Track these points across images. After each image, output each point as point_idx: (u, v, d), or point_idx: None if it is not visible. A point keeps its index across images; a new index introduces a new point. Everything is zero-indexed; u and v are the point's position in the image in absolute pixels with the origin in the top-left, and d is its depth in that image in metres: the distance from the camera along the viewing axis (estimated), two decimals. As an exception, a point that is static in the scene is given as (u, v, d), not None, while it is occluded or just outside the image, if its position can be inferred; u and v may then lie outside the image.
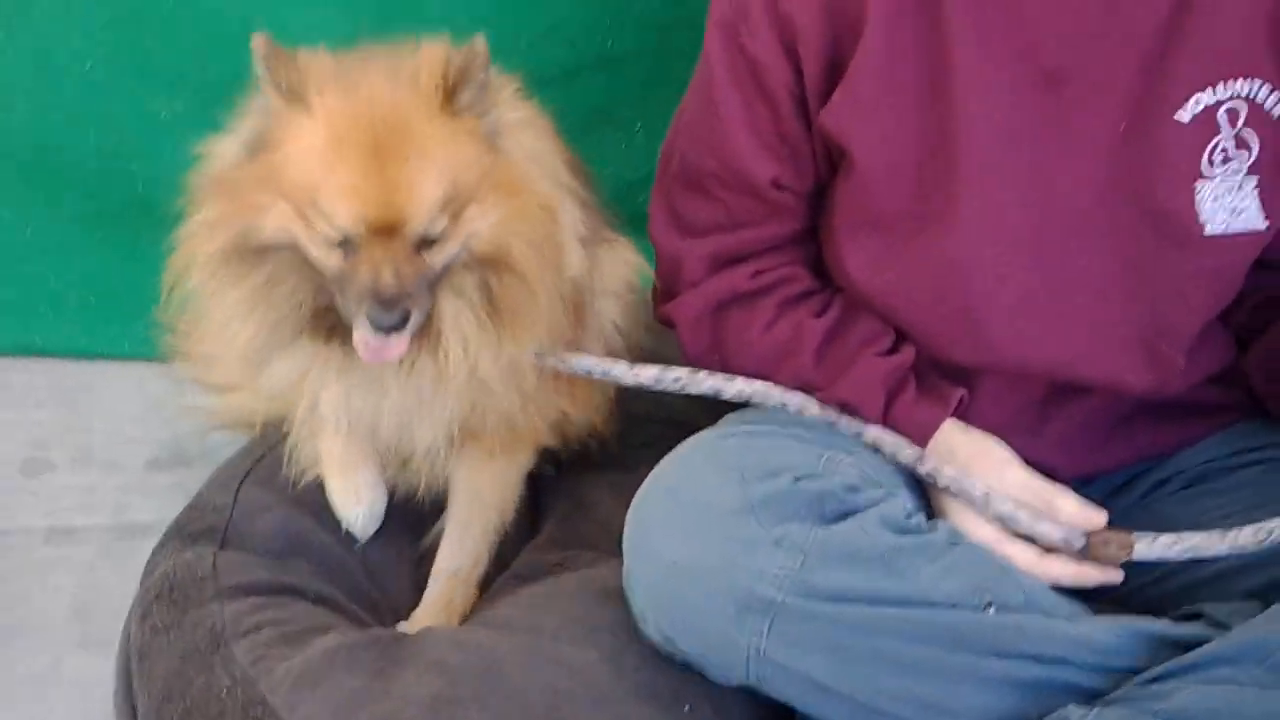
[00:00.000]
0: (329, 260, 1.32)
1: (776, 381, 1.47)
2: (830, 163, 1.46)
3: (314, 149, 1.29)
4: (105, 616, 1.61)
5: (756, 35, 1.41)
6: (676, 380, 1.50)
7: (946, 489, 1.40)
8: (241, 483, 1.64)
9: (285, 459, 1.61)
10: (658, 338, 1.64)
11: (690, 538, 1.29)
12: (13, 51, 2.10)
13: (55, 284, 2.25)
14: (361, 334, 1.33)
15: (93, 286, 2.27)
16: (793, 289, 1.49)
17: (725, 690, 1.35)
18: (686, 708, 1.35)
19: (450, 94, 1.31)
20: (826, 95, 1.41)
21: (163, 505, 1.83)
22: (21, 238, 2.25)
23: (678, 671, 1.36)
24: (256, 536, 1.57)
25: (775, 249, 1.51)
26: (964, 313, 1.39)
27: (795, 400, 1.45)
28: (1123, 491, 1.51)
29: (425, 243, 1.32)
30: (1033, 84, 1.34)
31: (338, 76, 1.32)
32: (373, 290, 1.29)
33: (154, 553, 1.57)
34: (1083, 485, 1.46)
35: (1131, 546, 1.35)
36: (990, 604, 1.30)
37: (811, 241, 1.53)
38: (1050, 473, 1.41)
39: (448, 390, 1.43)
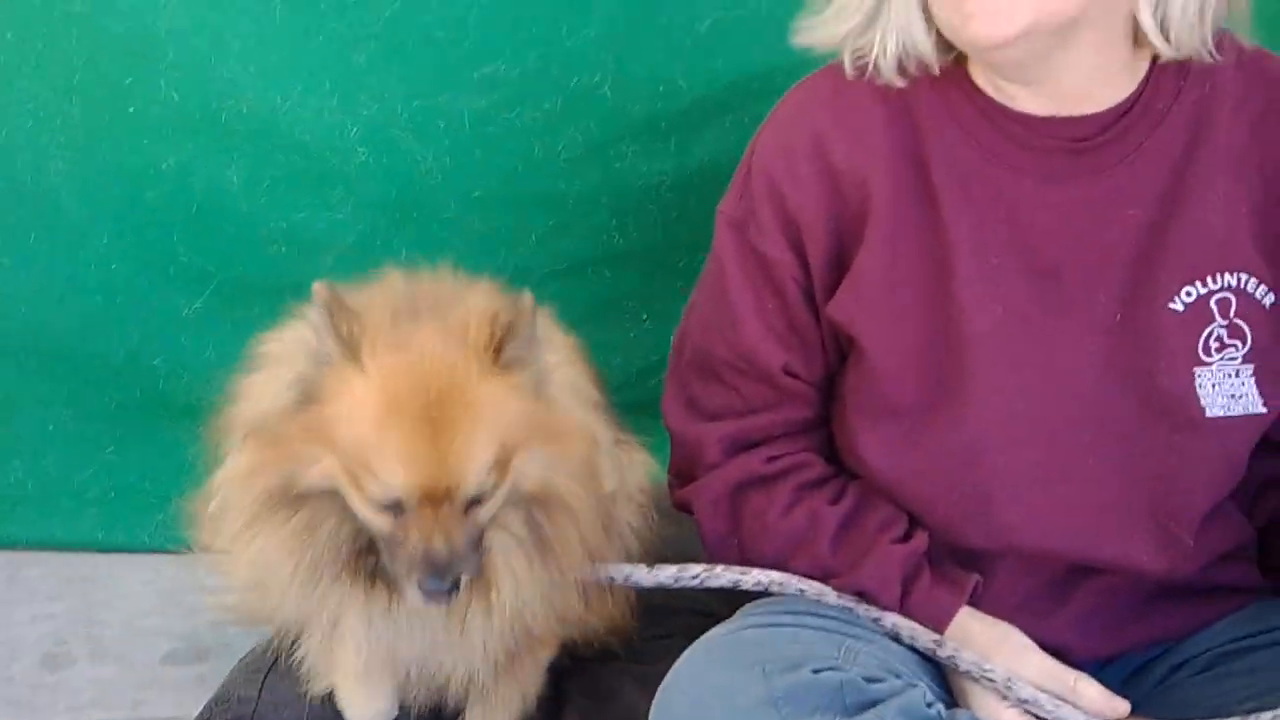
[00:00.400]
0: (376, 520, 1.32)
1: (793, 568, 1.49)
2: (839, 350, 1.52)
3: (367, 409, 1.29)
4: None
5: (765, 234, 1.49)
6: (695, 577, 1.52)
7: (967, 673, 1.42)
8: (266, 675, 1.65)
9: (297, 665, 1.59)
10: (676, 524, 1.67)
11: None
12: (40, 249, 2.18)
13: (76, 477, 2.29)
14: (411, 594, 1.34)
15: (113, 479, 2.30)
16: (808, 475, 1.54)
17: None
18: None
19: (499, 350, 1.32)
20: (833, 288, 1.48)
21: (181, 699, 1.85)
22: (43, 432, 2.29)
23: None
24: (284, 729, 1.57)
25: (789, 435, 1.55)
26: (978, 496, 1.43)
27: (813, 588, 1.48)
28: (1140, 674, 1.52)
29: (474, 502, 1.33)
30: (1029, 278, 1.41)
31: (391, 331, 1.32)
32: (424, 559, 1.29)
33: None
34: (1099, 669, 1.48)
35: None
36: (1012, 791, 1.31)
37: (823, 428, 1.58)
38: (1064, 655, 1.44)
39: (493, 627, 1.42)
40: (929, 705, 1.34)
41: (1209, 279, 1.38)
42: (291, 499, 1.35)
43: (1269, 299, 1.39)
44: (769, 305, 1.51)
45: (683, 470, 1.60)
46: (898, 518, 1.49)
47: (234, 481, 1.38)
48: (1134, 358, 1.40)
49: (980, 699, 1.41)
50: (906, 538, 1.48)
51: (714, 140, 2.10)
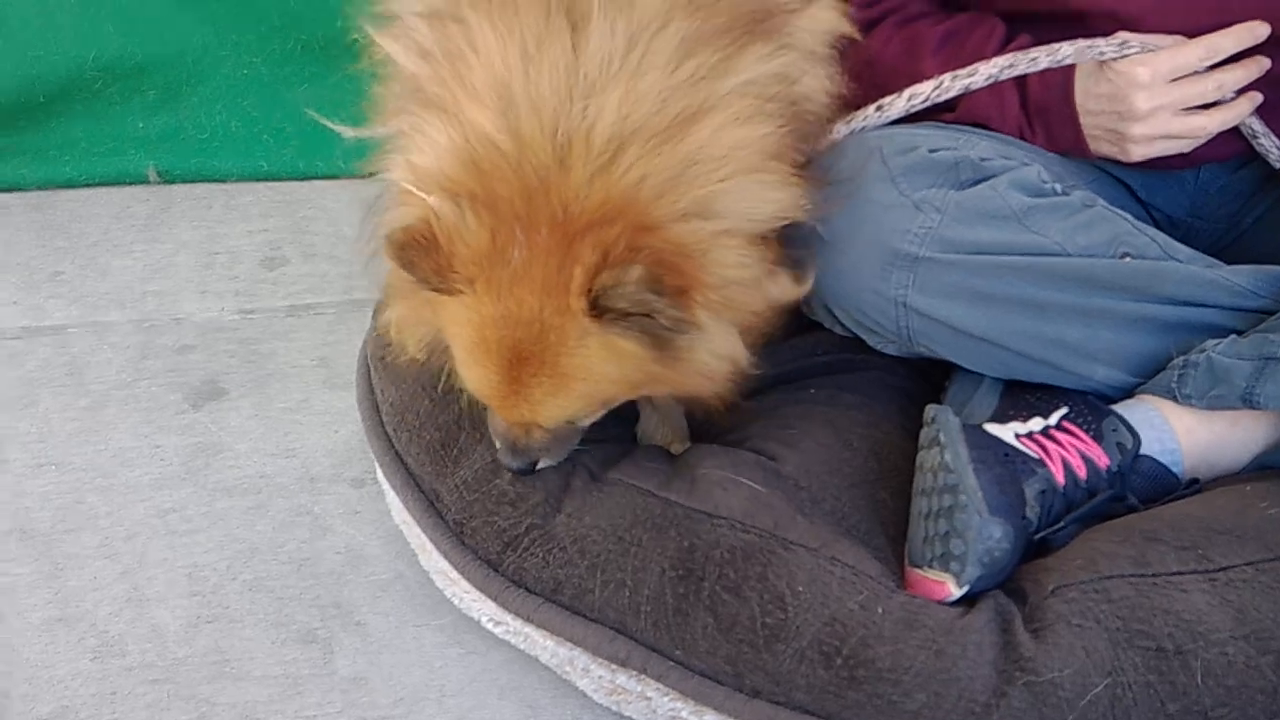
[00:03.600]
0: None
1: None
2: None
3: (463, 334, 1.24)
4: (345, 363, 1.85)
5: None
6: (925, 98, 1.47)
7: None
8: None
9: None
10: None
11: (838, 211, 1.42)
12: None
13: (273, 115, 2.51)
14: None
15: (305, 114, 2.50)
16: (908, 11, 1.59)
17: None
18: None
19: (603, 309, 1.17)
20: None
21: (388, 286, 2.06)
22: (239, 76, 2.50)
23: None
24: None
25: None
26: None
27: (1044, 52, 1.47)
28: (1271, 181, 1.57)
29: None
30: None
31: (492, 266, 1.18)
32: (504, 442, 1.34)
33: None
34: (1232, 171, 1.59)
35: None
36: (1126, 254, 1.40)
37: None
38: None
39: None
40: (1044, 182, 1.43)
41: None
42: None
43: None
44: None
45: None
46: (999, 27, 1.52)
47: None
48: None
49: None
50: (1008, 41, 1.52)
51: None
